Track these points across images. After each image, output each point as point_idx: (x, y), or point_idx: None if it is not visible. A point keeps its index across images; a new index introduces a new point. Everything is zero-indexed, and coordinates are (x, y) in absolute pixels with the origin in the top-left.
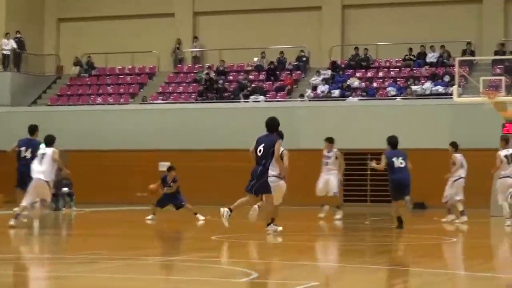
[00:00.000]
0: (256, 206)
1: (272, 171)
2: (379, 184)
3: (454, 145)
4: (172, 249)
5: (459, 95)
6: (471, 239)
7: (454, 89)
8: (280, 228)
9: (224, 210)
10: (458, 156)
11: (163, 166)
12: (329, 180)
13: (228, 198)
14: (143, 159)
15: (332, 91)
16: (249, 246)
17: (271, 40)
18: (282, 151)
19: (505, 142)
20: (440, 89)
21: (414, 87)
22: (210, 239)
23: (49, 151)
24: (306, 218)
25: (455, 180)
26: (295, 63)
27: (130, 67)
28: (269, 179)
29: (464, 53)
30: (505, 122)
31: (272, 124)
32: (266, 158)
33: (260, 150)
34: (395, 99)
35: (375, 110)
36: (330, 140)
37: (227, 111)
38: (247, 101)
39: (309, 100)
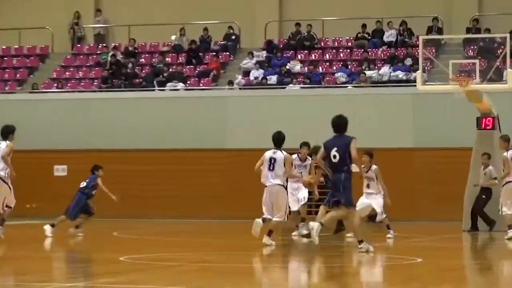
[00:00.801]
0: (259, 219)
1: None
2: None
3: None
4: (71, 273)
5: (424, 82)
6: (439, 260)
7: (418, 74)
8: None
9: (314, 225)
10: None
11: (59, 170)
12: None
13: (134, 209)
14: (33, 161)
15: (268, 77)
16: (163, 269)
17: (192, 14)
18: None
19: (507, 142)
20: (400, 74)
21: (368, 73)
22: (119, 261)
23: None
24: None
25: None
26: (222, 42)
27: (17, 47)
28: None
29: (429, 31)
30: (480, 116)
31: (342, 123)
32: (345, 163)
33: (334, 156)
34: (346, 87)
35: (321, 101)
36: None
37: (138, 102)
38: (163, 90)
39: (240, 88)
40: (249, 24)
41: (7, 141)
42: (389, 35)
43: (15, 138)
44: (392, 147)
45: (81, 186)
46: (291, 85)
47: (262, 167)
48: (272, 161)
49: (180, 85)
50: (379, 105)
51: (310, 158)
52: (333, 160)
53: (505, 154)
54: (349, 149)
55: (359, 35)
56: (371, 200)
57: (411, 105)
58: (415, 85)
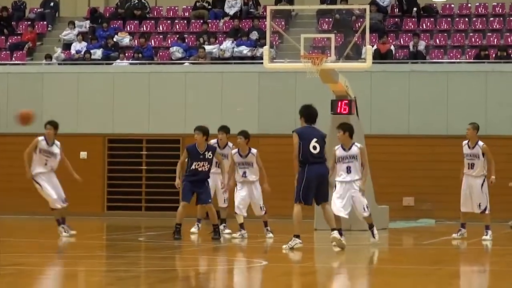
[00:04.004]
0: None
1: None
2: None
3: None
4: None
5: (272, 60)
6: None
7: (265, 50)
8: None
9: (335, 233)
10: None
11: None
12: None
13: None
14: None
15: (92, 51)
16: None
17: None
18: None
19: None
20: (245, 50)
21: (208, 47)
22: None
23: None
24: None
25: None
26: (39, 9)
27: None
28: None
29: (278, 0)
30: (335, 99)
31: (316, 114)
32: (324, 155)
33: (314, 147)
34: (183, 63)
35: (153, 79)
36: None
37: None
38: None
39: (59, 64)
40: None
41: None
42: (232, 5)
43: None
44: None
45: None
46: (118, 60)
47: None
48: None
49: None
50: (220, 85)
51: (230, 145)
52: (313, 151)
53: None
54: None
55: (197, 4)
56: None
57: (257, 86)
58: (262, 63)
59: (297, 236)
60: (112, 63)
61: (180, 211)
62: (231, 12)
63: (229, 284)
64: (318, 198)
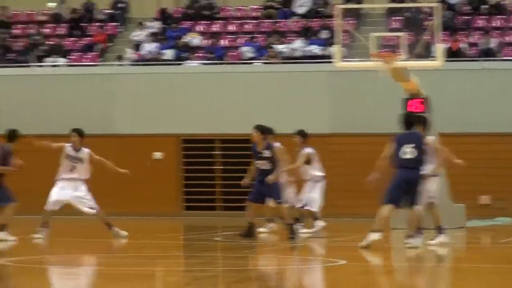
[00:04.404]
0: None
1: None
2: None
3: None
4: None
5: (342, 59)
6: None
7: (335, 49)
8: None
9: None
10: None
11: None
12: None
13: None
14: None
15: (163, 52)
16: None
17: None
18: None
19: None
20: (315, 49)
21: (279, 47)
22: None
23: None
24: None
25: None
26: (109, 11)
27: None
28: None
29: None
30: (407, 98)
31: (413, 119)
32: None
33: (406, 152)
34: (253, 63)
35: (224, 79)
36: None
37: (12, 80)
38: (41, 66)
39: (131, 65)
40: None
41: None
42: (302, 4)
43: None
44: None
45: None
46: (189, 61)
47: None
48: None
49: (61, 60)
50: (291, 84)
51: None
52: (405, 156)
53: None
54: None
55: (267, 3)
56: None
57: (328, 84)
58: (332, 62)
59: (377, 231)
60: (183, 64)
61: (248, 211)
62: (301, 11)
63: (307, 284)
64: (406, 201)
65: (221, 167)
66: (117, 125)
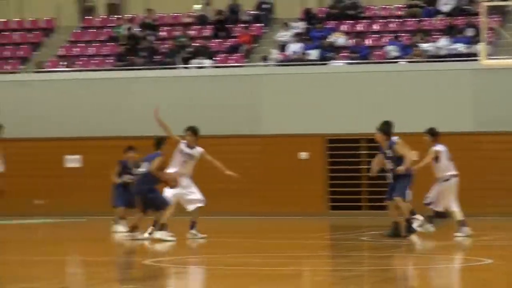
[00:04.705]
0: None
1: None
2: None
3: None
4: (89, 279)
5: (488, 56)
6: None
7: (481, 47)
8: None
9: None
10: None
11: (71, 160)
12: None
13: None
14: (40, 151)
15: (307, 52)
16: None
17: None
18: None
19: None
20: (460, 47)
21: (424, 45)
22: (143, 264)
23: None
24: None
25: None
26: (254, 12)
27: (18, 20)
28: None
29: None
30: None
31: None
32: None
33: None
34: (398, 62)
35: (369, 78)
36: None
37: (159, 82)
38: (188, 67)
39: (276, 65)
40: None
41: None
42: (447, 2)
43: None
44: (451, 131)
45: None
46: (334, 60)
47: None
48: None
49: (207, 61)
50: (436, 83)
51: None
52: None
53: None
54: None
55: (411, 2)
56: None
57: (473, 83)
58: (477, 59)
59: None
60: (328, 63)
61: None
62: (445, 9)
63: (453, 283)
64: None
65: (366, 167)
66: (262, 126)
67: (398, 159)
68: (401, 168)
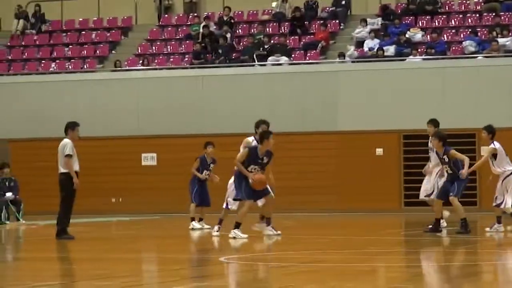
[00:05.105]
0: None
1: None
2: None
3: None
4: (164, 276)
5: None
6: None
7: None
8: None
9: None
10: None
11: (148, 158)
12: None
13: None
14: (118, 149)
15: (385, 48)
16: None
17: None
18: None
19: None
20: None
21: (501, 40)
22: (218, 262)
23: None
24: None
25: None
26: (331, 8)
27: (96, 19)
28: None
29: None
30: None
31: None
32: None
33: None
34: (476, 57)
35: (446, 74)
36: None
37: (236, 79)
38: (264, 65)
39: (353, 62)
40: None
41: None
42: None
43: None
44: None
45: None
46: (411, 56)
47: None
48: None
49: (284, 59)
50: None
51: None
52: None
53: None
54: None
55: None
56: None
57: None
58: None
59: None
60: (405, 59)
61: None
62: None
63: None
64: None
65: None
66: (339, 122)
67: (453, 166)
68: (463, 172)
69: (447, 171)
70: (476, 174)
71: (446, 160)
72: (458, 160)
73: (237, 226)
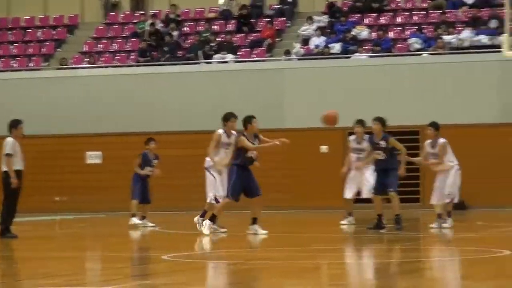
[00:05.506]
0: None
1: None
2: None
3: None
4: (108, 274)
5: (511, 48)
6: None
7: (505, 39)
8: None
9: None
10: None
11: (93, 157)
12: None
13: (175, 200)
14: (62, 148)
15: (330, 45)
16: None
17: None
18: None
19: None
20: (484, 39)
21: (447, 38)
22: (162, 259)
23: None
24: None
25: None
26: (277, 6)
27: (42, 16)
28: None
29: None
30: None
31: None
32: None
33: None
34: (421, 54)
35: (392, 71)
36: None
37: (182, 77)
38: (210, 62)
39: (299, 59)
40: None
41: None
42: None
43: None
44: (474, 122)
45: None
46: (357, 54)
47: None
48: None
49: (230, 56)
50: (459, 75)
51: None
52: None
53: None
54: None
55: None
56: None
57: (497, 74)
58: (501, 51)
59: None
60: (351, 57)
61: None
62: (470, 1)
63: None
64: None
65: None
66: (285, 120)
67: (389, 152)
68: (402, 171)
69: (380, 159)
70: (419, 171)
71: (383, 145)
72: (395, 149)
73: (213, 219)
